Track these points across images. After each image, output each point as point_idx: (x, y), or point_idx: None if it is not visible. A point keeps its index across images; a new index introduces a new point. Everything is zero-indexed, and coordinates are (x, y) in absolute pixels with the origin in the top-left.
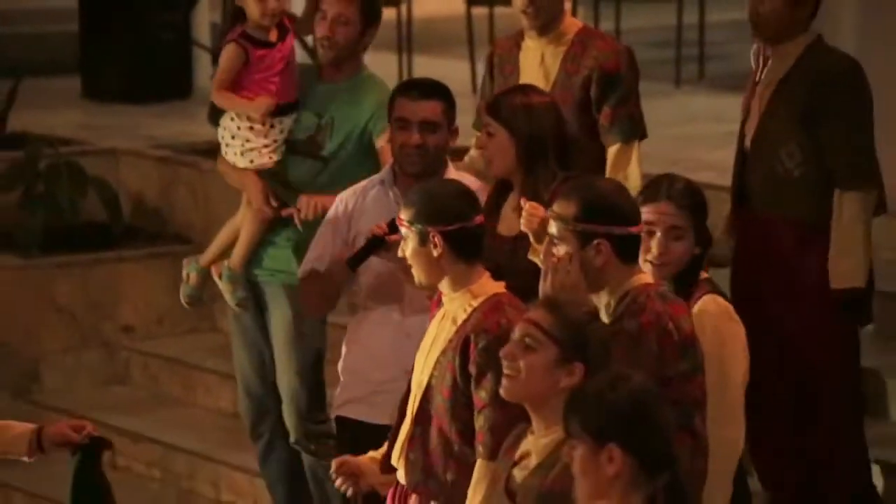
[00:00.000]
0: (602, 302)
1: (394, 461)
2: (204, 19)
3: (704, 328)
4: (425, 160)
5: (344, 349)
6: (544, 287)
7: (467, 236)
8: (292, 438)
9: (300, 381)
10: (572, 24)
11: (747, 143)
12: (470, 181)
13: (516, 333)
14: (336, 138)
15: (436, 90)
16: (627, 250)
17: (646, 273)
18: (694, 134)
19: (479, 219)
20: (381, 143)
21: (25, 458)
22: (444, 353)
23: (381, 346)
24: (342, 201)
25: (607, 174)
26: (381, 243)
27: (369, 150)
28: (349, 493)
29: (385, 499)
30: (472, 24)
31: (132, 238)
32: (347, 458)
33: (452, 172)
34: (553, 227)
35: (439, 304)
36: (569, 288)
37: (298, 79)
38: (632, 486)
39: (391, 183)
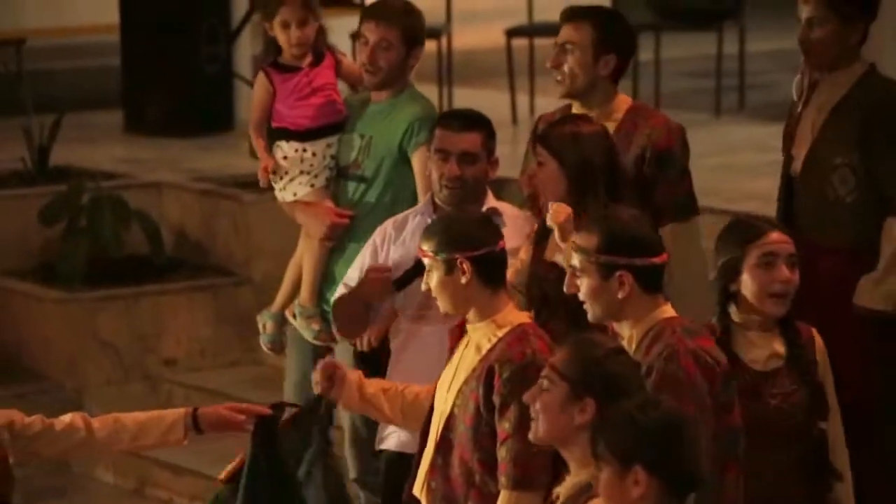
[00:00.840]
0: (625, 334)
1: (416, 491)
2: (245, 52)
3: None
4: (464, 191)
5: (390, 371)
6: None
7: (493, 261)
8: (353, 475)
9: (361, 416)
10: (623, 101)
11: (794, 169)
12: (511, 211)
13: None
14: (374, 157)
15: (476, 121)
16: (650, 281)
17: (668, 305)
18: (735, 164)
19: (502, 244)
20: (416, 158)
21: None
22: (467, 381)
23: (424, 368)
24: (382, 231)
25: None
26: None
27: (410, 166)
28: (317, 391)
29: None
30: (512, 56)
31: (174, 271)
32: (338, 363)
33: (492, 202)
34: (575, 259)
35: (460, 333)
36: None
37: (350, 103)
38: None
39: (430, 213)
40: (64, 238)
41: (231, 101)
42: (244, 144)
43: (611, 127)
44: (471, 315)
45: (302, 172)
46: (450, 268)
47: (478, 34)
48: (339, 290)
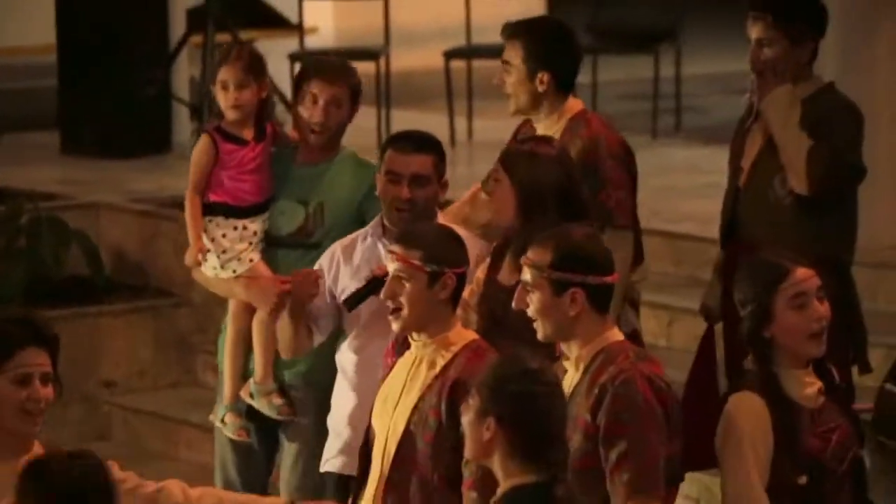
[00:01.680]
0: (572, 354)
1: None
2: (184, 74)
3: None
4: (414, 214)
5: (340, 400)
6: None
7: (463, 282)
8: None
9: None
10: (572, 106)
11: (741, 181)
12: (462, 232)
13: None
14: (328, 223)
15: (427, 143)
16: (601, 300)
17: (616, 328)
18: (672, 185)
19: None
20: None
21: None
22: (422, 398)
23: (370, 394)
24: (331, 253)
25: None
26: (382, 284)
27: (362, 224)
28: None
29: None
30: (451, 78)
31: (114, 292)
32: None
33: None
34: (528, 275)
35: (394, 350)
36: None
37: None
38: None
39: (380, 235)
40: (2, 259)
41: (169, 124)
42: (183, 165)
43: (556, 135)
44: (423, 332)
45: (243, 250)
46: (434, 280)
47: (416, 56)
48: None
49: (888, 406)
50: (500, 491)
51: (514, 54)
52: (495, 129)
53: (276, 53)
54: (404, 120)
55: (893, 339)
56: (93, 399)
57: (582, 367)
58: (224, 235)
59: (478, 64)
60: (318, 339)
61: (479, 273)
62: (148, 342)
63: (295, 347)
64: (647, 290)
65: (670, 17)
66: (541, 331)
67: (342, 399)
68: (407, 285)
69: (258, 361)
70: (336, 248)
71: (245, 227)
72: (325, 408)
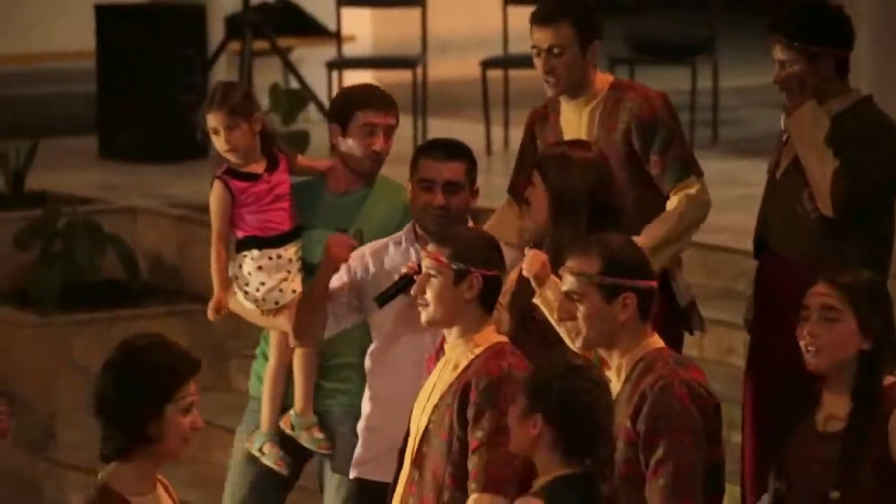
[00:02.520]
0: (614, 363)
1: None
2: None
3: None
4: (448, 220)
5: (364, 407)
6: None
7: (496, 286)
8: None
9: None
10: (603, 80)
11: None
12: None
13: None
14: None
15: (460, 151)
16: (646, 305)
17: (656, 335)
18: None
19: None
20: None
21: None
22: (442, 397)
23: (398, 399)
24: (362, 254)
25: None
26: (412, 282)
27: None
28: None
29: None
30: (487, 87)
31: (149, 296)
32: None
33: None
34: (572, 284)
35: (438, 355)
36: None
37: (296, 198)
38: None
39: (412, 240)
40: (39, 262)
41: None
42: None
43: (596, 108)
44: (453, 332)
45: (283, 279)
46: (460, 278)
47: (453, 65)
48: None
49: None
50: (541, 480)
51: (564, 36)
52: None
53: (314, 61)
54: (441, 128)
55: None
56: None
57: (623, 375)
58: (260, 268)
59: (514, 73)
60: (332, 328)
61: (512, 273)
62: (182, 346)
63: (308, 324)
64: None
65: (708, 29)
66: (583, 339)
67: (364, 403)
68: (434, 282)
69: (299, 393)
70: (365, 250)
71: (279, 256)
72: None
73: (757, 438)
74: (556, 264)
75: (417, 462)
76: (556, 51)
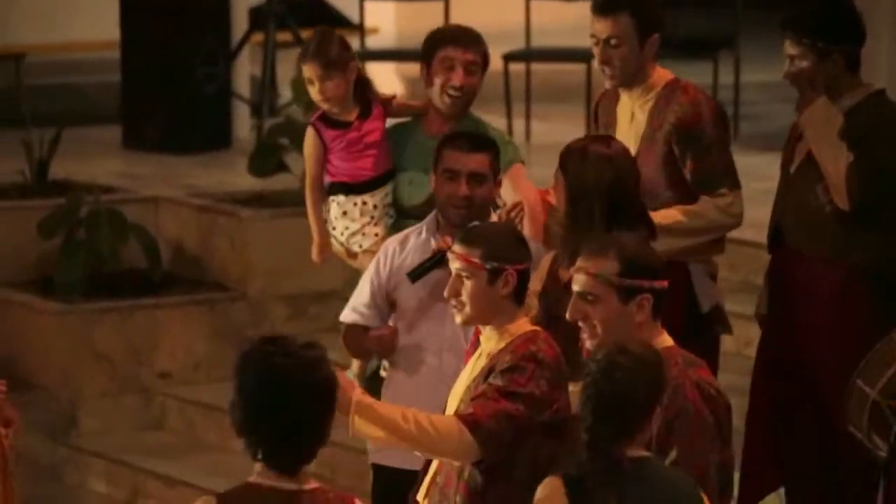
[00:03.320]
0: None
1: (420, 497)
2: (244, 71)
3: None
4: (472, 211)
5: (383, 394)
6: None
7: (528, 277)
8: None
9: None
10: (661, 75)
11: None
12: None
13: None
14: None
15: (483, 142)
16: (659, 306)
17: (665, 333)
18: None
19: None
20: (506, 177)
21: None
22: (474, 381)
23: (417, 389)
24: (385, 249)
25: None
26: (444, 258)
27: None
28: None
29: None
30: (510, 80)
31: (171, 285)
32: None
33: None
34: (588, 285)
35: (474, 348)
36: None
37: (392, 139)
38: None
39: (434, 231)
40: (62, 251)
41: (229, 120)
42: (241, 162)
43: (648, 103)
44: (489, 326)
45: (366, 223)
46: (494, 277)
47: None
48: (349, 314)
49: (855, 400)
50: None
51: (622, 27)
52: (553, 131)
53: None
54: None
55: None
56: (148, 389)
57: None
58: (344, 213)
59: (536, 67)
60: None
61: (544, 262)
62: (203, 335)
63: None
64: None
65: (730, 24)
66: (595, 339)
67: (383, 391)
68: (468, 283)
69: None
70: (389, 244)
71: (364, 203)
72: None
73: (757, 430)
74: (571, 258)
75: None
76: (613, 42)
